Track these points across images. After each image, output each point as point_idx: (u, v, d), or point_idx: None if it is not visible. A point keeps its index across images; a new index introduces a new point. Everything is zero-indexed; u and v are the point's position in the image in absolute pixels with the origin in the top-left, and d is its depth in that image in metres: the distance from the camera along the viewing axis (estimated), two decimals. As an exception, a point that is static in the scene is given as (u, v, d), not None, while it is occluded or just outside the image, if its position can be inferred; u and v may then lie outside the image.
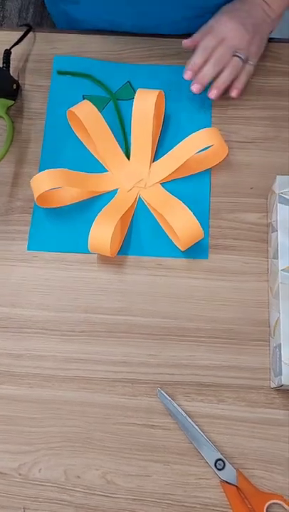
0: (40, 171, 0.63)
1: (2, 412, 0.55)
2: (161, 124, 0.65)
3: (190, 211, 0.58)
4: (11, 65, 0.68)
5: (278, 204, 0.56)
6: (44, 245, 0.61)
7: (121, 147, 0.64)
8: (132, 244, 0.61)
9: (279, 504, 0.51)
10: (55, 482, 0.53)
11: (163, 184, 0.63)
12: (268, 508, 0.50)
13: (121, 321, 0.58)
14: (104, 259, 0.60)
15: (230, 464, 0.52)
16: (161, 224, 0.61)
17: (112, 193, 0.63)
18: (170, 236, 0.61)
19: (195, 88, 0.62)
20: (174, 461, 0.53)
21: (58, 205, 0.63)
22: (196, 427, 0.53)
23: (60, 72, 0.69)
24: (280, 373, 0.51)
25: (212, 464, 0.52)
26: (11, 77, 0.67)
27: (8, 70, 0.67)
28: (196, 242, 0.59)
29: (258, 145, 0.64)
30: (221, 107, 0.65)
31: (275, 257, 0.56)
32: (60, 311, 0.58)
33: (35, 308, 0.59)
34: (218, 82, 0.63)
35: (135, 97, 0.63)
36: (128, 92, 0.68)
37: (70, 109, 0.63)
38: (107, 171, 0.64)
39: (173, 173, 0.62)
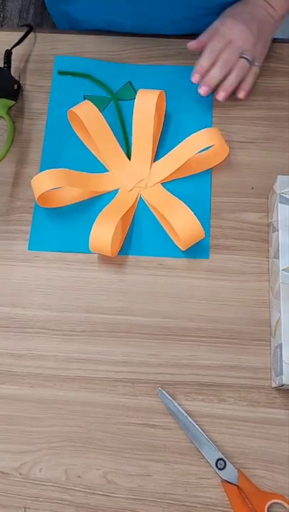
0: (40, 171, 0.64)
1: (3, 412, 0.55)
2: (162, 124, 0.66)
3: (191, 211, 0.58)
4: (12, 66, 0.68)
5: (279, 204, 0.56)
6: (45, 245, 0.61)
7: (122, 147, 0.65)
8: (132, 244, 0.61)
9: (280, 504, 0.51)
10: (56, 482, 0.53)
11: (164, 184, 0.63)
12: (269, 507, 0.50)
13: (122, 320, 0.58)
14: (105, 259, 0.60)
15: (231, 463, 0.52)
16: (162, 224, 0.61)
17: (112, 193, 0.63)
18: (171, 236, 0.61)
19: (203, 91, 0.63)
20: (174, 460, 0.53)
21: (59, 205, 0.63)
22: (196, 426, 0.53)
23: (60, 73, 0.69)
24: (281, 373, 0.51)
25: (213, 464, 0.52)
26: (12, 77, 0.67)
27: (9, 71, 0.68)
28: (197, 242, 0.59)
29: (259, 145, 0.64)
30: (222, 107, 0.65)
31: (276, 256, 0.56)
32: (61, 310, 0.59)
33: (36, 308, 0.59)
34: (225, 84, 0.63)
35: (136, 97, 0.63)
36: (129, 93, 0.68)
37: (71, 109, 0.63)
38: (107, 171, 0.64)
39: (174, 173, 0.62)
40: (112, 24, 0.70)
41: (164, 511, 0.52)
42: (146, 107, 0.62)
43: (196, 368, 0.56)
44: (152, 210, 0.62)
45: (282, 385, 0.51)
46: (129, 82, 0.68)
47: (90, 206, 0.62)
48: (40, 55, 0.71)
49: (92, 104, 0.63)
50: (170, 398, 0.54)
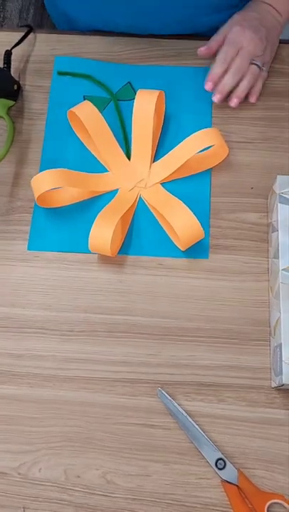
0: (40, 171, 0.64)
1: (2, 412, 0.55)
2: (162, 124, 0.66)
3: (190, 211, 0.58)
4: (11, 66, 0.68)
5: (279, 204, 0.56)
6: (44, 245, 0.61)
7: (121, 147, 0.65)
8: (132, 244, 0.61)
9: (280, 504, 0.51)
10: (55, 482, 0.53)
11: (163, 184, 0.63)
12: (268, 507, 0.50)
13: (121, 320, 0.58)
14: (104, 259, 0.60)
15: (231, 463, 0.52)
16: (161, 224, 0.61)
17: (112, 193, 0.63)
18: (170, 236, 0.61)
19: (217, 98, 0.64)
20: (174, 460, 0.53)
21: (59, 205, 0.63)
22: (196, 426, 0.53)
23: (60, 73, 0.69)
24: (281, 373, 0.51)
25: (213, 464, 0.52)
26: (12, 77, 0.67)
27: (9, 71, 0.68)
28: (197, 242, 0.59)
29: (258, 145, 0.64)
30: (222, 107, 0.65)
31: (276, 256, 0.56)
32: (61, 310, 0.58)
33: (35, 308, 0.59)
34: (238, 91, 0.64)
35: (136, 97, 0.63)
36: (129, 93, 0.68)
37: (71, 109, 0.63)
38: (107, 171, 0.64)
39: (173, 173, 0.62)
40: (110, 23, 0.70)
41: (163, 511, 0.51)
42: (145, 108, 0.62)
43: (195, 368, 0.56)
44: (152, 210, 0.62)
45: (282, 384, 0.51)
46: (128, 82, 0.68)
47: (90, 206, 0.62)
48: (40, 55, 0.71)
49: (91, 104, 0.63)
50: (169, 398, 0.54)
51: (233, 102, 0.64)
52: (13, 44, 0.69)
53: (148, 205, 0.62)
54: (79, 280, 0.60)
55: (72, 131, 0.65)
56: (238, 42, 0.63)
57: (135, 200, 0.62)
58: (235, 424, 0.54)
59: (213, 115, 0.66)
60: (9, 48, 0.68)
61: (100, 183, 0.63)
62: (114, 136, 0.64)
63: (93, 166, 0.64)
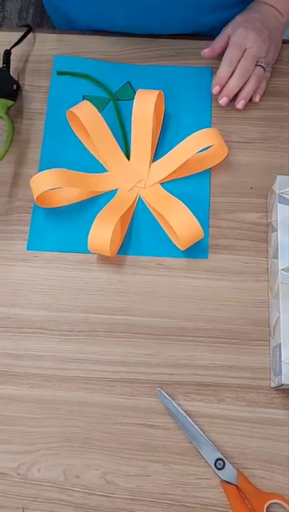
0: (39, 171, 0.63)
1: (2, 412, 0.55)
2: (161, 124, 0.66)
3: (190, 211, 0.58)
4: (11, 66, 0.68)
5: (278, 204, 0.56)
6: (44, 245, 0.61)
7: (121, 147, 0.64)
8: (131, 244, 0.61)
9: (279, 504, 0.51)
10: (54, 482, 0.53)
11: (163, 184, 0.63)
12: (268, 507, 0.50)
13: (120, 320, 0.58)
14: (104, 259, 0.60)
15: (231, 463, 0.52)
16: (161, 224, 0.61)
17: (111, 193, 0.63)
18: (170, 236, 0.61)
19: (223, 102, 0.64)
20: (173, 461, 0.53)
21: (58, 205, 0.63)
22: (195, 426, 0.53)
23: (60, 73, 0.69)
24: (280, 373, 0.51)
25: (212, 464, 0.52)
26: (11, 77, 0.67)
27: (8, 71, 0.68)
28: (196, 242, 0.59)
29: (258, 145, 0.64)
30: (221, 107, 0.65)
31: (275, 256, 0.56)
32: (60, 310, 0.58)
33: (34, 308, 0.59)
34: (243, 93, 0.64)
35: (135, 97, 0.63)
36: (128, 93, 0.68)
37: (70, 109, 0.63)
38: (106, 171, 0.64)
39: (173, 173, 0.62)
40: (109, 23, 0.70)
41: (162, 512, 0.52)
42: (145, 107, 0.62)
43: (194, 368, 0.56)
44: (151, 210, 0.62)
45: (282, 384, 0.51)
46: (128, 82, 0.68)
47: (89, 206, 0.62)
48: (39, 55, 0.71)
49: (91, 104, 0.63)
50: (169, 398, 0.54)
51: (240, 104, 0.64)
52: (12, 44, 0.69)
53: (147, 205, 0.62)
54: (78, 280, 0.59)
55: (72, 131, 0.65)
56: (242, 44, 0.63)
57: (134, 200, 0.62)
58: (235, 424, 0.54)
59: (212, 115, 0.66)
60: (8, 48, 0.68)
61: (100, 183, 0.63)
62: (114, 136, 0.64)
63: (92, 166, 0.64)
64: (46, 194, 0.61)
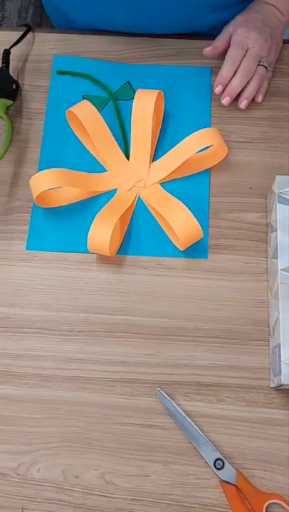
0: (39, 170, 0.63)
1: (1, 412, 0.55)
2: (161, 124, 0.65)
3: (189, 211, 0.58)
4: (10, 65, 0.68)
5: (278, 204, 0.56)
6: (43, 245, 0.61)
7: (120, 147, 0.64)
8: (131, 244, 0.61)
9: (278, 504, 0.51)
10: (54, 482, 0.53)
11: (162, 184, 0.63)
12: (267, 507, 0.50)
13: (120, 320, 0.58)
14: (103, 259, 0.60)
15: (230, 463, 0.52)
16: (160, 224, 0.61)
17: (111, 193, 0.63)
18: (169, 236, 0.61)
19: (226, 102, 0.64)
20: (173, 461, 0.53)
21: (57, 205, 0.62)
22: (195, 426, 0.53)
23: (59, 72, 0.69)
24: (280, 373, 0.51)
25: (211, 464, 0.52)
26: (11, 77, 0.67)
27: (8, 70, 0.68)
28: (196, 242, 0.59)
29: (258, 145, 0.64)
30: (221, 107, 0.65)
31: (275, 256, 0.56)
32: (60, 310, 0.58)
33: (34, 308, 0.59)
34: (246, 92, 0.64)
35: (135, 97, 0.63)
36: (127, 92, 0.68)
37: (70, 109, 0.63)
38: (106, 170, 0.64)
39: (172, 173, 0.62)
40: (109, 23, 0.70)
41: (162, 512, 0.52)
42: (144, 107, 0.62)
43: (194, 368, 0.56)
44: (151, 210, 0.62)
45: (281, 385, 0.51)
46: (127, 82, 0.68)
47: (89, 206, 0.62)
48: (39, 54, 0.70)
49: (90, 104, 0.63)
50: (168, 398, 0.54)
51: (243, 104, 0.64)
52: (11, 43, 0.68)
53: (147, 205, 0.62)
54: (78, 280, 0.59)
55: (71, 130, 0.65)
56: (244, 43, 0.63)
57: (134, 200, 0.62)
58: (234, 424, 0.54)
59: (212, 115, 0.66)
60: (8, 48, 0.68)
61: (99, 183, 0.63)
62: (113, 135, 0.64)
63: (92, 165, 0.64)
64: (46, 194, 0.61)
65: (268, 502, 0.50)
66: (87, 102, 0.63)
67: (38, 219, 0.62)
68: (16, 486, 0.53)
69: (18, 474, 0.53)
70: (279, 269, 0.54)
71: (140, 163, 0.63)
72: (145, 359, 0.56)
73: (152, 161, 0.64)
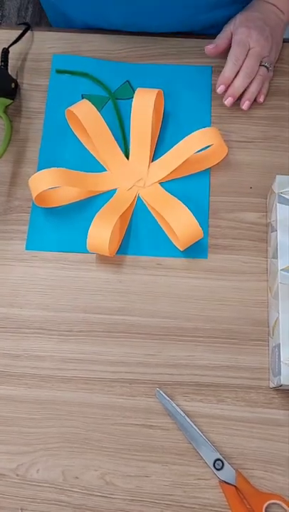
0: (38, 170, 0.63)
1: (0, 413, 0.55)
2: (161, 123, 0.65)
3: (189, 211, 0.58)
4: (9, 64, 0.68)
5: (278, 204, 0.56)
6: (42, 245, 0.61)
7: (120, 146, 0.64)
8: (130, 243, 0.60)
9: (278, 504, 0.51)
10: (53, 483, 0.53)
11: (162, 184, 0.63)
12: (266, 508, 0.50)
13: (120, 320, 0.58)
14: (103, 259, 0.60)
15: (229, 464, 0.52)
16: (160, 223, 0.61)
17: (110, 193, 0.63)
18: (169, 236, 0.60)
19: (228, 102, 0.64)
20: (172, 461, 0.53)
21: (57, 205, 0.62)
22: (194, 427, 0.53)
23: (58, 71, 0.69)
24: (279, 373, 0.50)
25: (211, 464, 0.52)
26: (10, 76, 0.67)
27: (7, 69, 0.67)
28: (196, 242, 0.59)
29: (258, 145, 0.64)
30: (221, 106, 0.65)
31: (275, 256, 0.55)
32: (59, 310, 0.58)
33: (33, 308, 0.58)
34: (248, 93, 0.64)
35: (134, 96, 0.63)
36: (127, 92, 0.67)
37: (69, 108, 0.63)
38: (106, 170, 0.64)
39: (172, 172, 0.62)
40: (108, 23, 0.70)
41: (161, 512, 0.51)
42: (144, 106, 0.62)
43: (194, 368, 0.56)
44: (150, 210, 0.62)
45: (281, 385, 0.51)
46: (127, 81, 0.68)
47: (88, 206, 0.62)
48: (38, 53, 0.70)
49: (90, 103, 0.63)
50: (168, 398, 0.54)
51: (245, 105, 0.64)
52: (10, 42, 0.68)
53: (146, 205, 0.62)
54: (78, 280, 0.59)
55: (71, 130, 0.65)
56: (246, 43, 0.63)
57: (134, 200, 0.62)
58: (234, 424, 0.54)
59: (212, 114, 0.66)
60: (6, 46, 0.68)
61: (99, 183, 0.63)
62: (113, 135, 0.64)
63: (91, 165, 0.64)
64: (45, 193, 0.61)
65: (268, 502, 0.50)
66: (87, 101, 0.63)
67: (38, 219, 0.62)
68: (16, 487, 0.53)
69: (17, 475, 0.53)
70: (279, 269, 0.54)
71: (140, 163, 0.63)
72: (144, 359, 0.56)
73: (152, 161, 0.64)
